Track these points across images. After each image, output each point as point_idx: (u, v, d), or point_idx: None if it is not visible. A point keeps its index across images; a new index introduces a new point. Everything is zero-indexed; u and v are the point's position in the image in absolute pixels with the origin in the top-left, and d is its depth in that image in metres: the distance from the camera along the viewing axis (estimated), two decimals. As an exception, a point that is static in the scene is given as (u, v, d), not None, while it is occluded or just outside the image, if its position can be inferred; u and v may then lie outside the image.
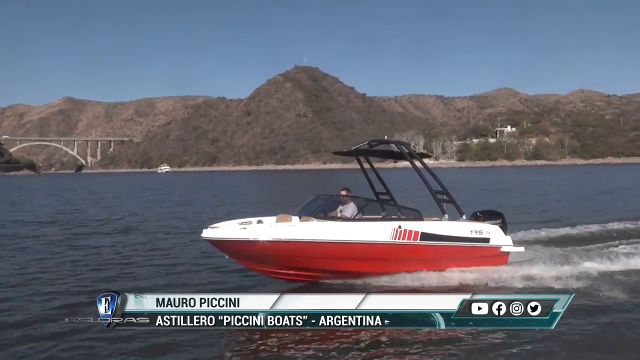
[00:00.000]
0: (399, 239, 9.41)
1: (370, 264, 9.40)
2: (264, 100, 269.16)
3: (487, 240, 10.21)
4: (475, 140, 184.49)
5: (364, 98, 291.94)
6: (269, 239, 8.77)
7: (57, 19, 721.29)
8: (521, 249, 10.70)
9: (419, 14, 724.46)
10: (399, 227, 9.42)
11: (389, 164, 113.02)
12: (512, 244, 10.51)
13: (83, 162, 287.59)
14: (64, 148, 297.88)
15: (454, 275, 9.59)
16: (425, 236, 9.59)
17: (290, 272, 9.31)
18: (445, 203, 10.35)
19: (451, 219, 10.27)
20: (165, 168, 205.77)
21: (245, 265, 9.51)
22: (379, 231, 9.37)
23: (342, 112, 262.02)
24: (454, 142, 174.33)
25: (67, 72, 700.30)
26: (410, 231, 9.48)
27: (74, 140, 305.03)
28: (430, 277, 9.38)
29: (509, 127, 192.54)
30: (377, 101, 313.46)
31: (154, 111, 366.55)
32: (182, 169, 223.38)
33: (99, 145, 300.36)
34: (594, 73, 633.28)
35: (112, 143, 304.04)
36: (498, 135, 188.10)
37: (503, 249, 10.39)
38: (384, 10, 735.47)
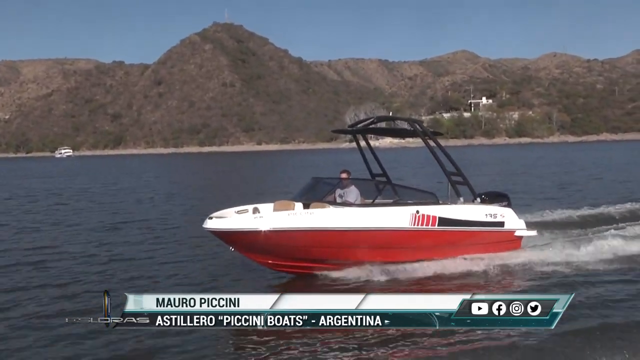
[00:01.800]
0: (417, 224, 10.45)
1: (388, 253, 10.39)
2: (177, 65, 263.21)
3: (502, 224, 11.49)
4: (446, 115, 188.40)
5: (300, 64, 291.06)
6: (284, 227, 9.47)
7: None
8: (534, 232, 12.13)
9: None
10: (417, 211, 10.48)
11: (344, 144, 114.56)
12: (525, 227, 11.87)
13: None
14: None
15: (467, 262, 10.88)
16: (443, 221, 10.69)
17: (298, 264, 10.14)
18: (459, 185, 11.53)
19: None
20: (66, 152, 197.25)
21: (250, 257, 10.29)
22: (398, 217, 10.34)
23: (276, 80, 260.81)
24: (422, 117, 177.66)
25: None
26: (429, 216, 10.55)
27: None
28: (442, 266, 10.56)
29: (484, 99, 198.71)
30: (312, 66, 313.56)
31: (19, 78, 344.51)
32: (79, 153, 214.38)
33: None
34: (566, 34, 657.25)
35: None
36: (473, 109, 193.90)
37: (517, 233, 11.73)
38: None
